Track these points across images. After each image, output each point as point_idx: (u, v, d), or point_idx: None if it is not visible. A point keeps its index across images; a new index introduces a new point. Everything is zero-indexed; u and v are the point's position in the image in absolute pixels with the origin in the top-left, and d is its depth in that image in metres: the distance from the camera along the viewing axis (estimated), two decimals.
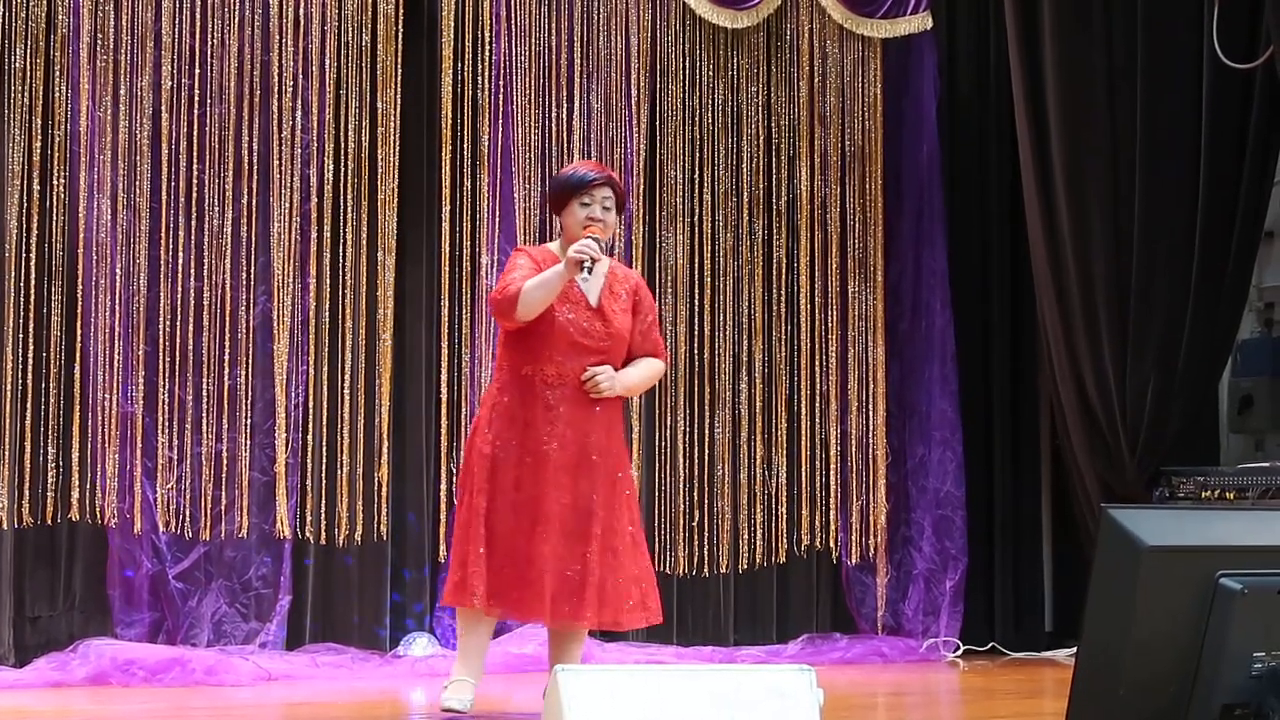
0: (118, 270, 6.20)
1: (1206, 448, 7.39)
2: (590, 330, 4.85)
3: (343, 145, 6.52)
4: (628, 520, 4.89)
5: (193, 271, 6.31)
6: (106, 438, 6.14)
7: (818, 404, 7.29)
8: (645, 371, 5.02)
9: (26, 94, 6.11)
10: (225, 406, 6.32)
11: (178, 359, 6.28)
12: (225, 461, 6.31)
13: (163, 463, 6.22)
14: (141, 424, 6.20)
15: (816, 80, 7.35)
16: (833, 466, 7.29)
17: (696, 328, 7.11)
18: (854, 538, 7.29)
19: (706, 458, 7.09)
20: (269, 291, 6.40)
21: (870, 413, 7.35)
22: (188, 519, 6.24)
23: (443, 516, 6.57)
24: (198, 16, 6.33)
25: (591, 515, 4.80)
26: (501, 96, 6.76)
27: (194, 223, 6.32)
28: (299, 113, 6.45)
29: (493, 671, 6.01)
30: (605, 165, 4.98)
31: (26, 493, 6.04)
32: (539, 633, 6.11)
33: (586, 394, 4.83)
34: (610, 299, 4.92)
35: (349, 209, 6.52)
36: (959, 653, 7.22)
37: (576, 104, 6.89)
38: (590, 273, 4.71)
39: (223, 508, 6.29)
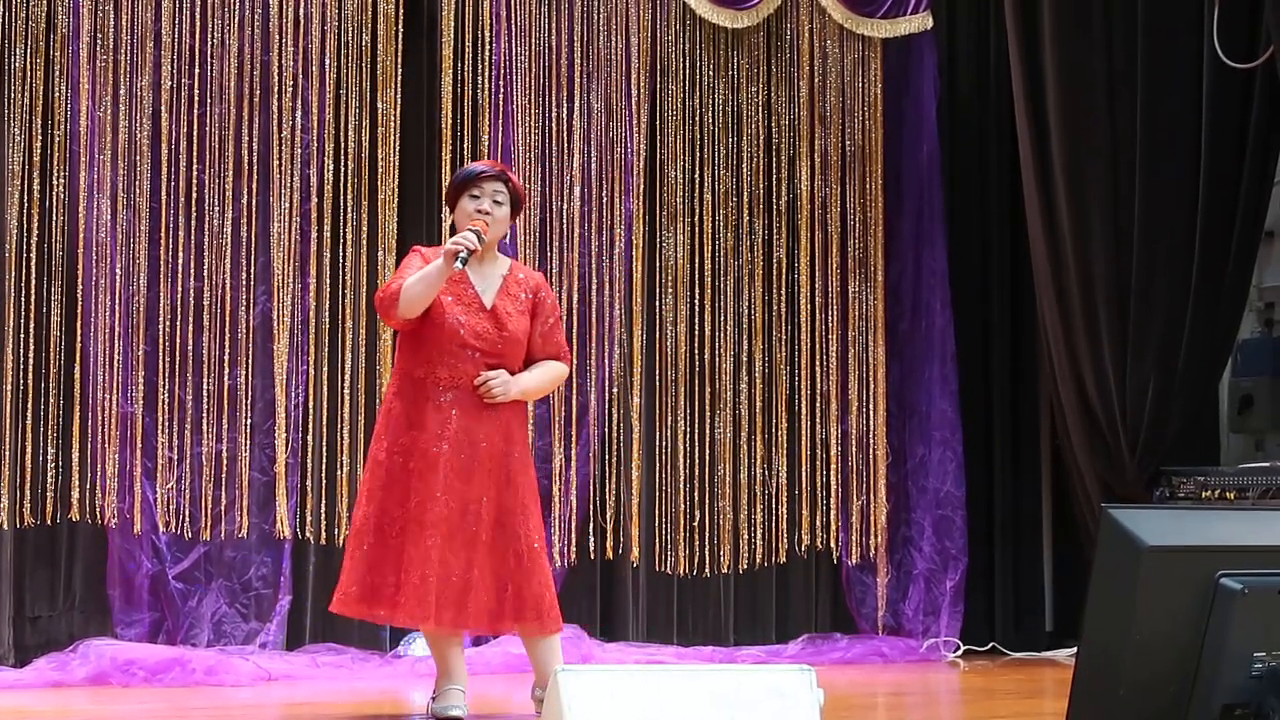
0: (118, 270, 6.20)
1: (1207, 448, 7.39)
2: (482, 333, 4.77)
3: (343, 145, 6.52)
4: (529, 526, 4.79)
5: (193, 271, 6.32)
6: (106, 438, 6.14)
7: (818, 404, 7.29)
8: (544, 375, 4.93)
9: (26, 94, 6.11)
10: (225, 406, 6.32)
11: (178, 359, 6.28)
12: (225, 461, 6.32)
13: (163, 463, 6.22)
14: (141, 424, 6.20)
15: (817, 80, 7.34)
16: (833, 466, 7.29)
17: (697, 327, 7.11)
18: (854, 538, 7.29)
19: (707, 458, 7.09)
20: (269, 291, 6.40)
21: (870, 413, 7.35)
22: (188, 519, 6.24)
23: None
24: (197, 16, 6.33)
25: (479, 520, 4.73)
26: (501, 96, 6.76)
27: (194, 222, 6.32)
28: (299, 113, 6.45)
29: (492, 671, 6.03)
30: (506, 165, 4.96)
31: (27, 493, 6.04)
32: None
33: (480, 398, 4.76)
34: (506, 300, 4.84)
35: (349, 209, 6.52)
36: (959, 653, 7.22)
37: (577, 104, 6.88)
38: (464, 264, 4.61)
39: (223, 508, 6.29)
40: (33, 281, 6.10)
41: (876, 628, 7.28)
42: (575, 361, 6.75)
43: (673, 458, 7.03)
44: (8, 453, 6.02)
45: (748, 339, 7.19)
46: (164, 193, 6.28)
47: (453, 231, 4.90)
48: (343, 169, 6.52)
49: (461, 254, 4.61)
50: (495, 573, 4.74)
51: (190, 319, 6.31)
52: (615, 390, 6.94)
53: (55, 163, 6.14)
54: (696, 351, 7.10)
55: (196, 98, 6.33)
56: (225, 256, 6.35)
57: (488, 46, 6.75)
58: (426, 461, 4.72)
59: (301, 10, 6.47)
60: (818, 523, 7.25)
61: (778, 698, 3.75)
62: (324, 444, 6.46)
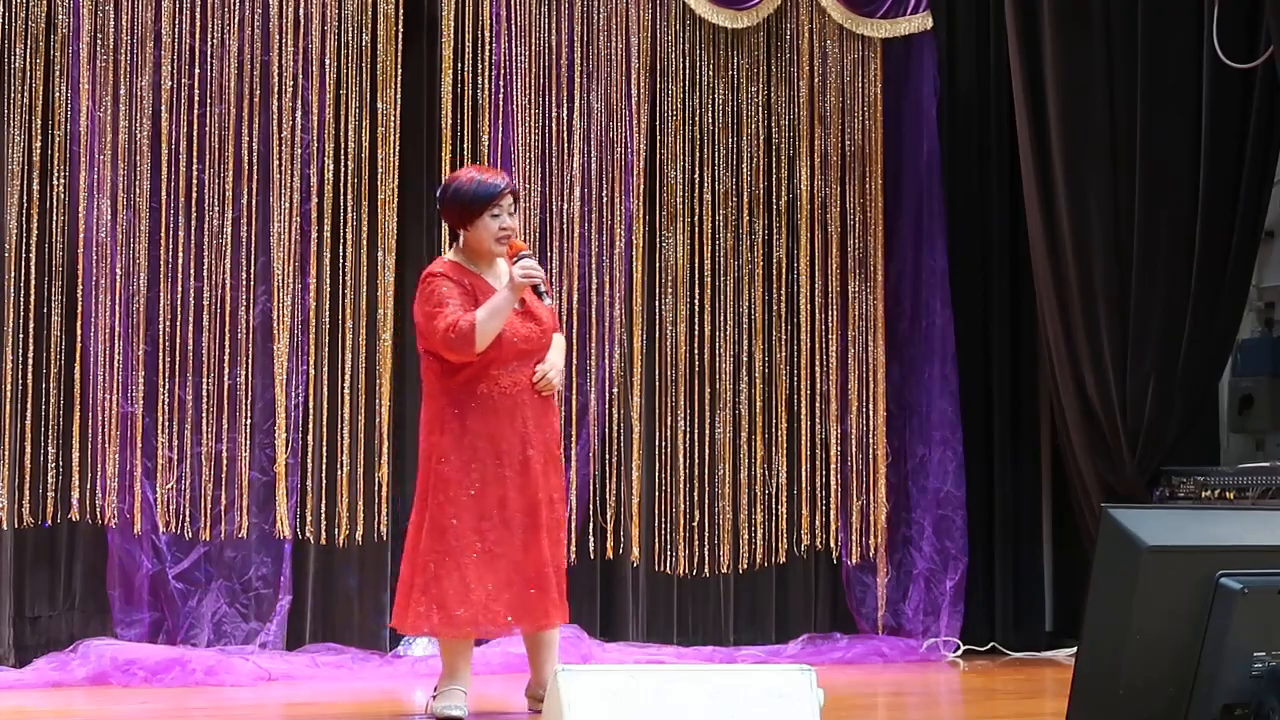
0: (118, 270, 6.20)
1: (1207, 448, 7.38)
2: (529, 335, 4.89)
3: (343, 145, 6.52)
4: (562, 507, 5.03)
5: (193, 271, 6.32)
6: (106, 438, 6.14)
7: (818, 404, 7.29)
8: (563, 351, 5.09)
9: (26, 94, 6.11)
10: (225, 406, 6.32)
11: (178, 359, 6.28)
12: (225, 461, 6.31)
13: (163, 463, 6.22)
14: (141, 424, 6.20)
15: (816, 80, 7.34)
16: (833, 466, 7.28)
17: (696, 328, 7.11)
18: (854, 538, 7.29)
19: (706, 458, 7.08)
20: (269, 291, 6.40)
21: (870, 413, 7.35)
22: (188, 519, 6.24)
23: None
24: (197, 16, 6.33)
25: (552, 512, 4.88)
26: (501, 97, 6.75)
27: (194, 223, 6.32)
28: (299, 113, 6.45)
29: (492, 671, 6.02)
30: (492, 167, 5.02)
31: (27, 493, 6.04)
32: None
33: (539, 394, 4.88)
34: (526, 295, 4.92)
35: (349, 209, 6.52)
36: (959, 653, 7.22)
37: (577, 104, 6.88)
38: (549, 294, 4.84)
39: (223, 508, 6.28)
40: (33, 281, 6.10)
41: (876, 628, 7.28)
42: (575, 362, 6.77)
43: (673, 458, 7.03)
44: (8, 453, 6.02)
45: (748, 339, 7.18)
46: (164, 193, 6.28)
47: (454, 238, 4.98)
48: (343, 169, 6.52)
49: (541, 286, 4.81)
50: (558, 566, 4.89)
51: (190, 319, 6.30)
52: (615, 390, 6.94)
53: (55, 163, 6.14)
54: (696, 351, 7.10)
55: (196, 98, 6.33)
56: (225, 256, 6.35)
57: (488, 47, 6.75)
58: (518, 467, 4.80)
59: (301, 10, 6.47)
60: (818, 523, 7.25)
61: (778, 698, 3.75)
62: (324, 444, 6.45)
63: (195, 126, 6.32)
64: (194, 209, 6.32)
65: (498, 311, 4.75)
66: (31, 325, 6.09)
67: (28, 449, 6.06)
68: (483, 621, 4.77)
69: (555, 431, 4.96)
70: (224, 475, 6.31)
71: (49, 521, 6.08)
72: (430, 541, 4.80)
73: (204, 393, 6.31)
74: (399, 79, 6.61)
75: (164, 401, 6.24)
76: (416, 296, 4.95)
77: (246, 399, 6.35)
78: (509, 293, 4.76)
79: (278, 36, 6.44)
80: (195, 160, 6.33)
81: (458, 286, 4.82)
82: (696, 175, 7.13)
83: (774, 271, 7.27)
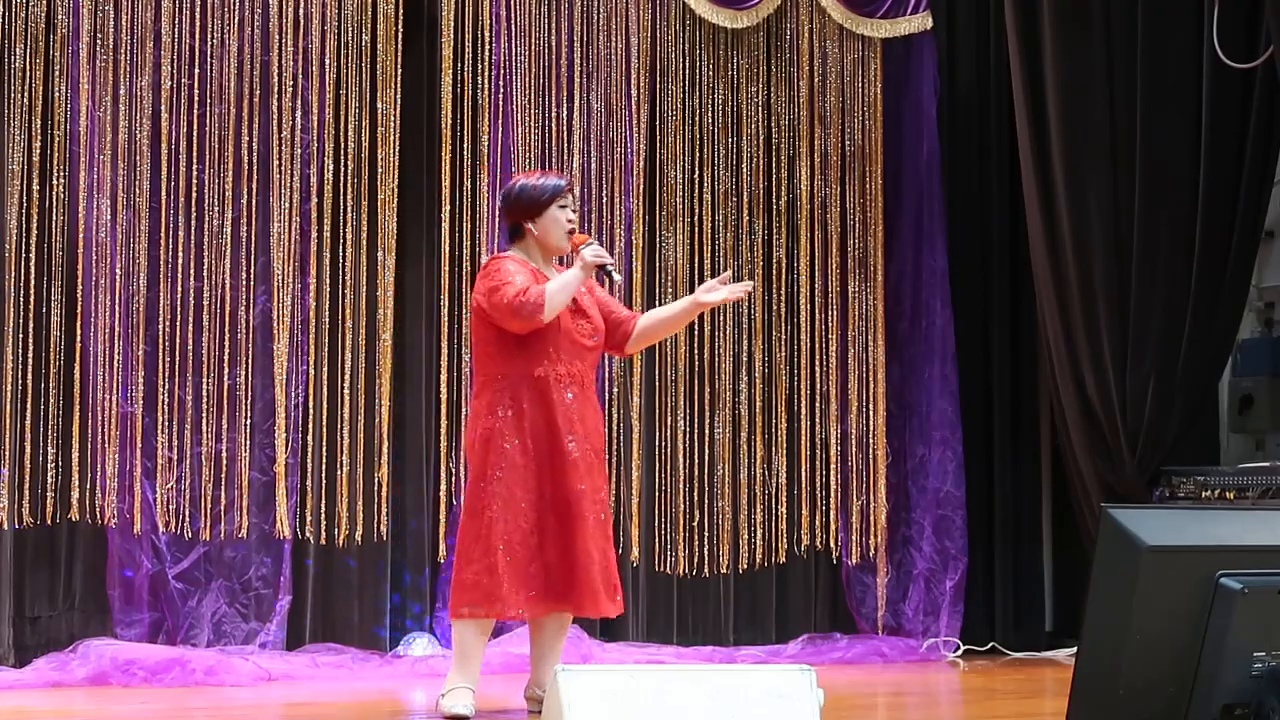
0: (117, 270, 6.20)
1: (1207, 447, 7.38)
2: (583, 330, 5.00)
3: (343, 145, 6.52)
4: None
5: (192, 271, 6.31)
6: (106, 438, 6.14)
7: (818, 404, 7.29)
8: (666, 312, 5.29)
9: (26, 94, 6.11)
10: (225, 406, 6.32)
11: (177, 359, 6.28)
12: (225, 461, 6.31)
13: (162, 463, 6.22)
14: (141, 424, 6.20)
15: (816, 80, 7.34)
16: (833, 466, 7.28)
17: (696, 328, 7.10)
18: (854, 538, 7.29)
19: (706, 458, 7.09)
20: (269, 291, 6.39)
21: (870, 413, 7.35)
22: (187, 519, 6.24)
23: (443, 517, 6.58)
24: (197, 16, 6.33)
25: (601, 503, 4.96)
26: (501, 96, 6.75)
27: (194, 222, 6.32)
28: (299, 113, 6.45)
29: (492, 671, 6.02)
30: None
31: (26, 493, 6.04)
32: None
33: (592, 392, 4.99)
34: (579, 295, 5.02)
35: (349, 209, 6.52)
36: (959, 653, 7.22)
37: (576, 104, 6.88)
38: (619, 275, 4.93)
39: (222, 508, 6.28)
40: (32, 281, 6.09)
41: (876, 628, 7.28)
42: None
43: (672, 458, 7.03)
44: (8, 453, 6.02)
45: (747, 339, 7.18)
46: (164, 193, 6.28)
47: (516, 236, 5.04)
48: (342, 169, 6.52)
49: (609, 266, 4.92)
50: (605, 553, 4.96)
51: (190, 319, 6.30)
52: (615, 390, 6.93)
53: (55, 163, 6.14)
54: (696, 352, 7.10)
55: (196, 98, 6.33)
56: (225, 256, 6.35)
57: (487, 47, 6.75)
58: (562, 458, 4.87)
59: (301, 10, 6.47)
60: (817, 523, 7.25)
61: (778, 698, 3.75)
62: (324, 444, 6.45)
63: (195, 126, 6.32)
64: (194, 209, 6.32)
65: (567, 285, 4.87)
66: (31, 325, 6.09)
67: (27, 449, 6.06)
68: (519, 602, 4.82)
69: (600, 430, 5.05)
70: (224, 475, 6.30)
71: (49, 521, 6.08)
72: (489, 525, 4.83)
73: (204, 393, 6.30)
74: (399, 79, 6.61)
75: (164, 401, 6.24)
76: (477, 279, 5.01)
77: (246, 399, 6.35)
78: (579, 270, 4.89)
79: (277, 36, 6.44)
80: (195, 160, 6.32)
81: (523, 269, 4.94)
82: (696, 175, 7.14)
83: (774, 271, 7.27)
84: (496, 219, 6.62)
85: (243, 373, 6.35)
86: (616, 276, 5.03)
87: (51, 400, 6.10)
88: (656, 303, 7.06)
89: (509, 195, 5.08)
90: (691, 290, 7.06)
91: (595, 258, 4.90)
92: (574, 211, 5.05)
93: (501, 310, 4.82)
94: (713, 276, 7.09)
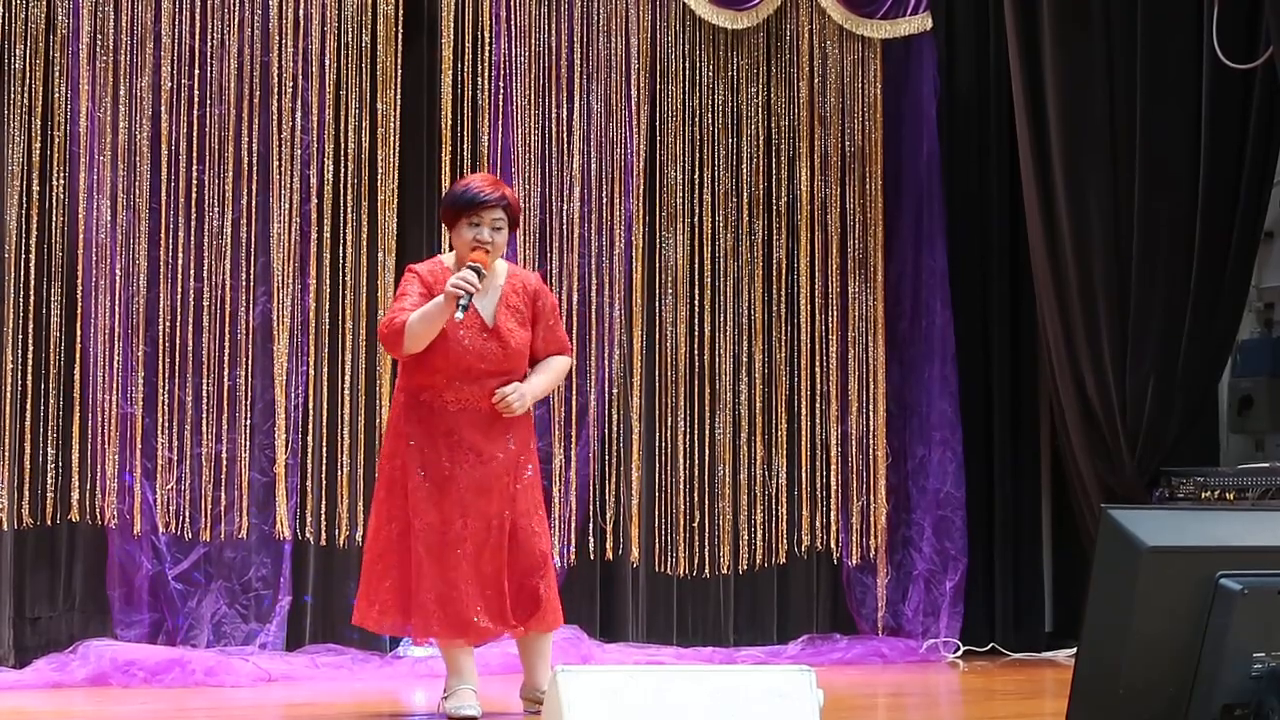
0: (117, 271, 6.19)
1: (1206, 448, 7.38)
2: (486, 353, 4.81)
3: (343, 146, 6.52)
4: (542, 530, 4.91)
5: (192, 272, 6.31)
6: (106, 438, 6.13)
7: (818, 404, 7.29)
8: (551, 375, 4.99)
9: (26, 95, 6.11)
10: (225, 407, 6.32)
11: (177, 359, 6.27)
12: (225, 462, 6.31)
13: (162, 463, 6.22)
14: (141, 425, 6.20)
15: (816, 81, 7.34)
16: (833, 467, 7.28)
17: (696, 328, 7.10)
18: (854, 538, 7.28)
19: (707, 458, 7.08)
20: (269, 292, 6.39)
21: (870, 413, 7.35)
22: (187, 520, 6.24)
23: None
24: (197, 17, 6.33)
25: (501, 532, 4.81)
26: (501, 97, 6.75)
27: (194, 223, 6.31)
28: (299, 113, 6.44)
29: (492, 672, 6.02)
30: (500, 181, 4.87)
31: (26, 493, 6.04)
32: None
33: (490, 416, 4.81)
34: (506, 315, 4.85)
35: (349, 209, 6.52)
36: (959, 653, 7.22)
37: (576, 105, 6.88)
38: (465, 311, 4.62)
39: (222, 508, 6.28)
40: (32, 282, 6.09)
41: (876, 628, 7.28)
42: (575, 363, 6.76)
43: (672, 458, 7.03)
44: (7, 453, 6.02)
45: (747, 340, 7.18)
46: (164, 193, 6.27)
47: (449, 248, 4.94)
48: (342, 170, 6.51)
49: (462, 300, 4.62)
50: (513, 580, 4.82)
51: (190, 319, 6.30)
52: (615, 391, 6.93)
53: (55, 163, 6.13)
54: (696, 352, 7.09)
55: (196, 98, 6.32)
56: (225, 257, 6.34)
57: (487, 47, 6.75)
58: (445, 483, 4.77)
59: (301, 11, 6.47)
60: (818, 523, 7.25)
61: (778, 698, 3.75)
62: (324, 445, 6.45)
63: (195, 127, 6.32)
64: (194, 210, 6.31)
65: (427, 317, 4.67)
66: (31, 326, 6.09)
67: (27, 449, 6.05)
68: (390, 624, 4.87)
69: (513, 453, 4.83)
70: (224, 476, 6.30)
71: (49, 522, 6.08)
72: (375, 542, 4.86)
73: (204, 393, 6.30)
74: (399, 79, 6.60)
75: (164, 402, 6.24)
76: None
77: (246, 400, 6.35)
78: (441, 300, 4.67)
79: (277, 37, 6.44)
80: (195, 161, 6.32)
81: (423, 285, 4.80)
82: (696, 176, 7.13)
83: (774, 272, 7.27)
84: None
85: (243, 373, 6.34)
86: (459, 315, 4.63)
87: (51, 401, 6.10)
88: (657, 303, 7.06)
89: (443, 200, 5.02)
90: (691, 291, 7.09)
91: (453, 287, 4.62)
92: (495, 229, 4.79)
93: (379, 337, 4.85)
94: (712, 277, 7.12)
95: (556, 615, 4.92)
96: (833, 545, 7.27)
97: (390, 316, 4.76)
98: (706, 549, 7.05)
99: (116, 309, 6.19)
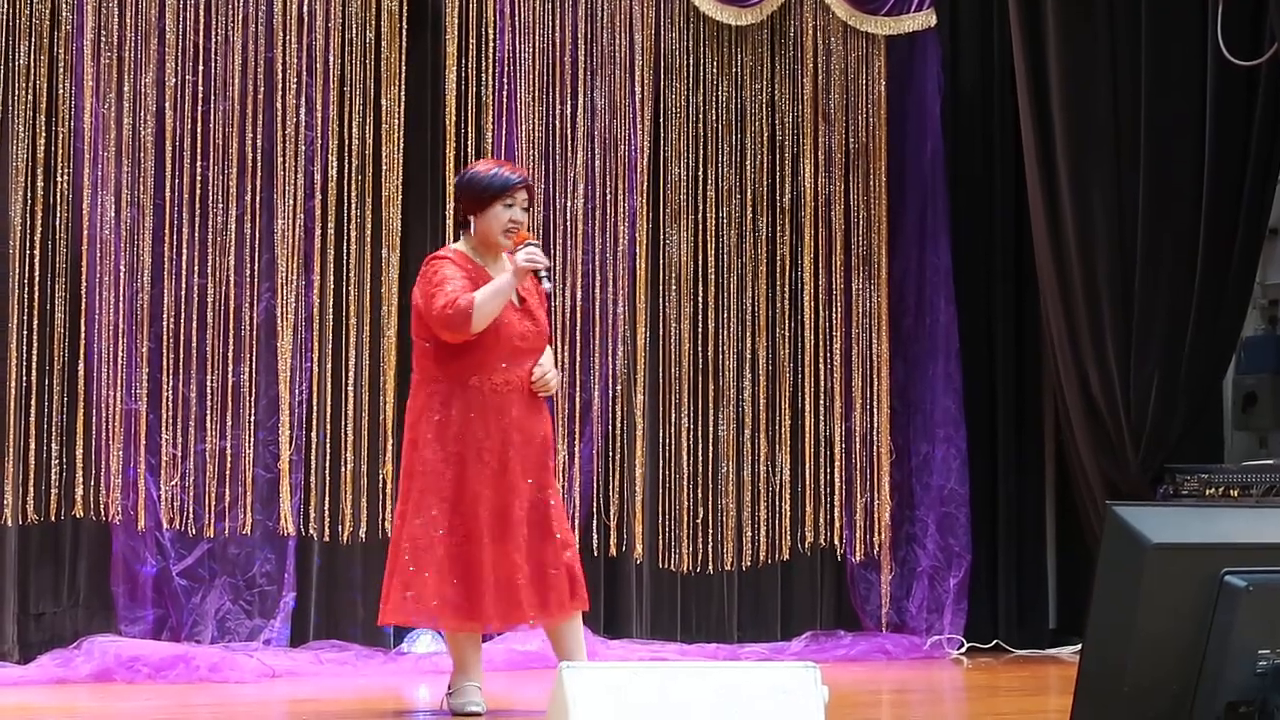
0: (121, 267, 6.20)
1: (1210, 445, 7.37)
2: (525, 332, 4.83)
3: (347, 142, 6.52)
4: (563, 509, 4.97)
5: (196, 268, 6.31)
6: (110, 434, 6.14)
7: (821, 401, 7.28)
8: (552, 361, 5.06)
9: (30, 91, 6.10)
10: (229, 403, 6.32)
11: (181, 356, 6.28)
12: (229, 458, 6.31)
13: (166, 460, 6.22)
14: (145, 421, 6.20)
15: (820, 77, 7.33)
16: (837, 463, 7.28)
17: (700, 325, 7.10)
18: (858, 535, 7.28)
19: (710, 455, 7.08)
20: (273, 288, 6.40)
21: (874, 410, 7.34)
22: (191, 516, 6.24)
23: None
24: (201, 13, 6.33)
25: (538, 510, 4.81)
26: (506, 94, 6.75)
27: (198, 219, 6.32)
28: (303, 110, 6.45)
29: (496, 669, 6.02)
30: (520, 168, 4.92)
31: (31, 489, 6.04)
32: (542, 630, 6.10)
33: (530, 396, 4.83)
34: (527, 294, 4.88)
35: (353, 206, 6.52)
36: (963, 650, 7.21)
37: (580, 101, 6.87)
38: (550, 282, 4.71)
39: (226, 505, 6.28)
40: (37, 279, 6.09)
41: (880, 625, 7.28)
42: (579, 359, 6.79)
43: (676, 455, 7.03)
44: (12, 449, 6.02)
45: (751, 336, 7.18)
46: (168, 190, 6.27)
47: (464, 227, 4.90)
48: (347, 166, 6.52)
49: (541, 272, 4.71)
50: (544, 562, 4.81)
51: (194, 316, 6.30)
52: (619, 387, 6.93)
53: (59, 160, 6.14)
54: (700, 349, 7.09)
55: (200, 95, 6.32)
56: (229, 253, 6.35)
57: (492, 44, 6.74)
58: (496, 465, 4.76)
59: (305, 7, 6.47)
60: (821, 520, 7.24)
61: (782, 695, 3.75)
62: (328, 440, 6.45)
63: (199, 123, 6.32)
64: (198, 206, 6.32)
65: (498, 293, 4.70)
66: (35, 322, 6.09)
67: (32, 445, 6.06)
68: (451, 614, 4.75)
69: (544, 436, 4.88)
70: (227, 472, 6.30)
71: (53, 518, 6.08)
72: (409, 531, 4.79)
73: (208, 389, 6.30)
74: (403, 76, 6.60)
75: (167, 398, 6.24)
76: (417, 279, 4.90)
77: (250, 396, 6.35)
78: (511, 276, 4.72)
79: (281, 33, 6.43)
80: (199, 157, 6.32)
81: (461, 270, 4.80)
82: (700, 172, 7.13)
83: (777, 268, 7.27)
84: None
85: (247, 369, 6.35)
86: (547, 285, 4.81)
87: (55, 397, 6.10)
88: (661, 300, 7.05)
89: (459, 184, 4.97)
90: (695, 287, 7.08)
91: (528, 262, 4.70)
92: (524, 210, 4.84)
93: (432, 319, 4.74)
94: (716, 273, 7.12)
95: (584, 597, 4.93)
96: (836, 541, 7.27)
97: (448, 299, 4.68)
98: (710, 545, 7.05)
99: (120, 305, 6.19)
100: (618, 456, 6.91)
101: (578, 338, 6.79)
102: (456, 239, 5.01)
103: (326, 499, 6.44)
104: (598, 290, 6.89)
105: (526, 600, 4.75)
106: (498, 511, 4.76)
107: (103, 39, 6.20)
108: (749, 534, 7.12)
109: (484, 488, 4.75)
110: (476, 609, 4.74)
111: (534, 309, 4.88)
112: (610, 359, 6.89)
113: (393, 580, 4.80)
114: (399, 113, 6.59)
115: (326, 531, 6.44)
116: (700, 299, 7.09)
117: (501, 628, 4.94)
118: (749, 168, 7.21)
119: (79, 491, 6.09)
